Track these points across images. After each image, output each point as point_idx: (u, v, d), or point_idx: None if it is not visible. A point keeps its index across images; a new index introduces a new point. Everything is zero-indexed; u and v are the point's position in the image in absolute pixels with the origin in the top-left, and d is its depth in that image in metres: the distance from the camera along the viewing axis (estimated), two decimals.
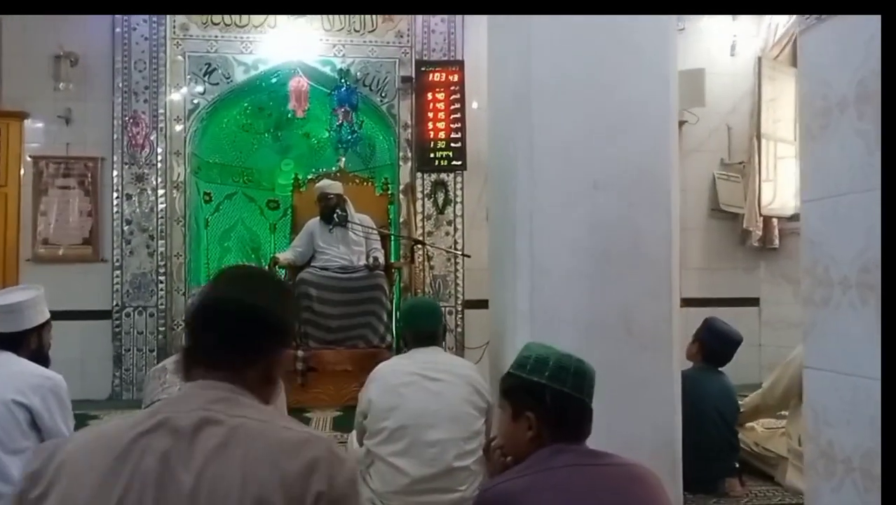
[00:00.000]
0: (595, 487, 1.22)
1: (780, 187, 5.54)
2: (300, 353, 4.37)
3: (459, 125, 5.22)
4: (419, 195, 5.24)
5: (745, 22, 5.77)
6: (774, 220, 5.55)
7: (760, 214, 5.44)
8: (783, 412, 3.03)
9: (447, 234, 5.24)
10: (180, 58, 5.17)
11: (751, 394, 3.08)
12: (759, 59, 5.58)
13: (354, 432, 2.66)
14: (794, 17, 5.49)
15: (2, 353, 2.29)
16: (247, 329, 1.03)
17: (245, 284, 1.09)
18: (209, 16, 5.14)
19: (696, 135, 5.64)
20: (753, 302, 5.77)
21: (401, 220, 5.33)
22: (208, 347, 1.03)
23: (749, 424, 3.06)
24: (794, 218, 5.60)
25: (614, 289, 2.45)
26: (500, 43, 2.83)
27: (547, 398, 1.31)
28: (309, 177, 5.40)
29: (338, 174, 5.19)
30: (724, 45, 5.75)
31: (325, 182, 4.84)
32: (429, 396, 2.37)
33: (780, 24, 5.57)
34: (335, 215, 4.62)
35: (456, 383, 2.42)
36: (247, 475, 0.90)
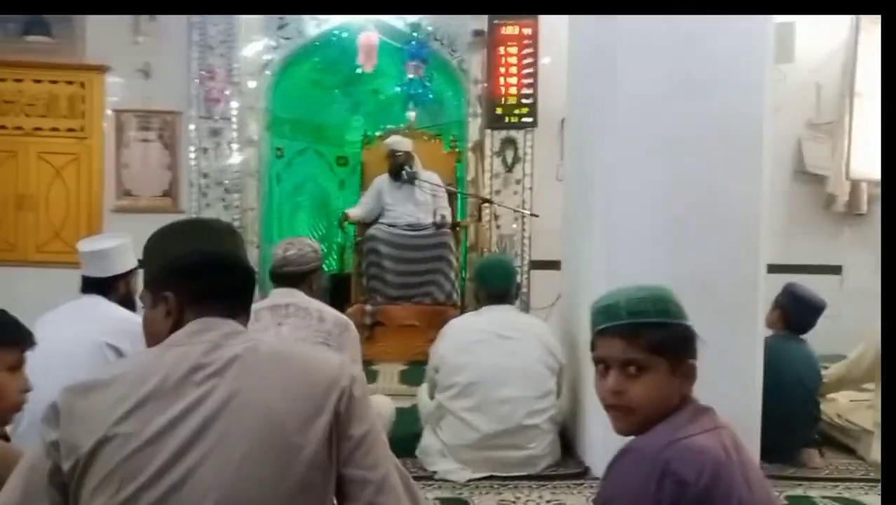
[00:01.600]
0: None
1: (872, 150, 5.22)
2: (368, 307, 4.44)
3: (531, 81, 5.09)
4: (488, 153, 5.17)
5: None
6: (863, 185, 5.24)
7: (848, 178, 5.15)
8: (867, 385, 2.90)
9: (515, 193, 5.17)
10: None
11: (833, 365, 2.95)
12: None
13: (424, 386, 2.70)
14: None
15: (93, 296, 2.39)
16: (243, 282, 1.16)
17: (231, 240, 1.18)
18: None
19: (782, 93, 5.32)
20: (835, 270, 5.51)
21: (468, 178, 5.28)
22: (222, 294, 1.12)
23: (831, 396, 2.94)
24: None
25: (694, 251, 2.37)
26: None
27: (698, 342, 1.18)
28: (377, 133, 5.40)
29: (407, 130, 5.17)
30: None
31: (394, 139, 4.83)
32: (501, 353, 2.38)
33: None
34: (403, 172, 4.62)
35: (529, 342, 2.42)
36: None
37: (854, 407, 2.90)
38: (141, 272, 2.50)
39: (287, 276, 2.33)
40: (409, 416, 2.90)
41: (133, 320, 2.35)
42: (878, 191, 5.23)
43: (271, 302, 2.30)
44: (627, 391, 1.14)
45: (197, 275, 1.10)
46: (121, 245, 2.43)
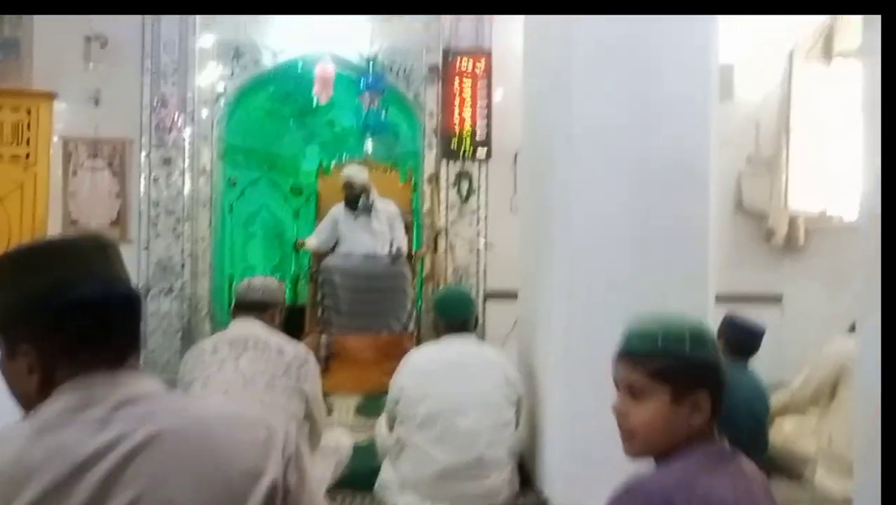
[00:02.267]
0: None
1: (807, 184, 5.48)
2: (323, 338, 4.39)
3: (486, 114, 5.20)
4: (443, 184, 5.23)
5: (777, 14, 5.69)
6: (800, 218, 5.49)
7: (786, 212, 5.39)
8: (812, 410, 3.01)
9: (470, 224, 5.23)
10: (209, 41, 5.18)
11: (777, 391, 3.06)
12: (791, 52, 5.51)
13: (383, 419, 2.68)
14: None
15: None
16: (134, 314, 0.92)
17: (103, 258, 0.90)
18: None
19: (723, 130, 5.56)
20: (776, 300, 5.72)
21: (424, 208, 5.33)
22: (103, 339, 0.87)
23: (776, 422, 3.04)
24: (820, 216, 5.54)
25: (650, 280, 2.44)
26: (539, 28, 2.82)
27: (721, 375, 1.16)
28: (333, 163, 5.41)
29: (363, 161, 5.20)
30: (754, 38, 5.67)
31: (351, 169, 4.85)
32: (461, 383, 2.39)
33: (814, 16, 5.48)
34: (360, 202, 4.64)
35: (488, 372, 2.44)
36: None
37: (799, 433, 3.00)
38: None
39: (251, 304, 2.32)
40: (367, 450, 2.87)
41: None
42: (815, 224, 5.49)
43: (231, 335, 2.27)
44: (629, 414, 1.16)
45: (63, 321, 0.84)
46: None
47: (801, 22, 5.61)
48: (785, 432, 3.04)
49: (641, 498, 1.05)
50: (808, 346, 4.58)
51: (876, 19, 1.46)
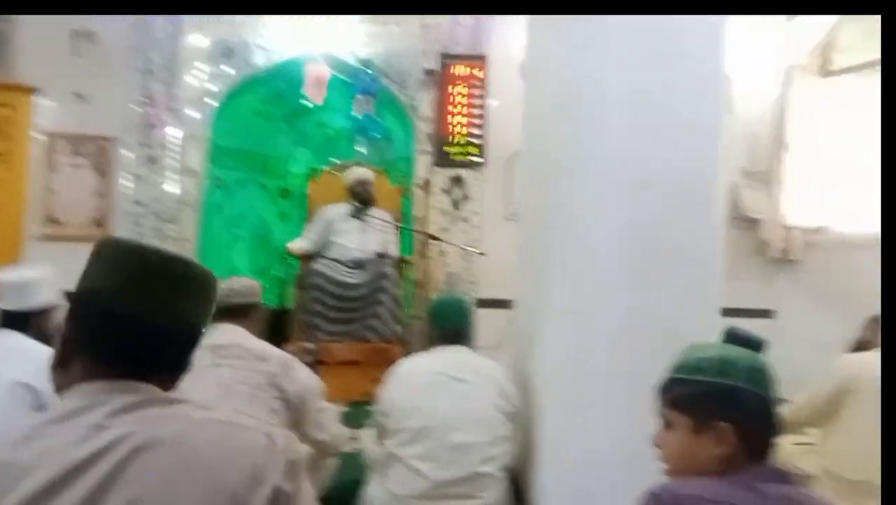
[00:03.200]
0: None
1: (803, 199, 5.44)
2: (308, 345, 4.27)
3: (480, 121, 5.12)
4: (436, 190, 5.13)
5: (775, 28, 5.66)
6: (796, 232, 5.44)
7: (782, 225, 5.34)
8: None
9: (463, 231, 5.13)
10: (200, 40, 5.06)
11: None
12: (789, 67, 5.47)
13: (371, 431, 2.57)
14: (827, 24, 5.40)
15: (8, 332, 2.19)
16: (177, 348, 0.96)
17: (178, 293, 0.94)
18: None
19: (721, 142, 5.53)
20: (769, 315, 5.67)
21: (416, 215, 5.22)
22: (121, 354, 0.89)
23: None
24: (816, 231, 5.49)
25: (653, 295, 2.35)
26: (544, 35, 2.74)
27: (749, 403, 1.09)
28: (324, 167, 5.30)
29: (355, 164, 5.08)
30: (751, 53, 5.64)
31: (361, 170, 4.77)
32: (454, 397, 2.28)
33: (811, 32, 5.46)
34: (369, 203, 4.58)
35: (483, 386, 2.33)
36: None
37: (799, 452, 2.91)
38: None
39: (232, 308, 2.20)
40: (353, 462, 2.76)
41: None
42: (812, 238, 5.44)
43: (213, 341, 2.14)
44: (661, 443, 1.18)
45: (83, 321, 0.89)
46: (39, 277, 2.25)
47: (800, 37, 5.59)
48: (786, 450, 2.95)
49: (651, 500, 1.05)
50: (801, 362, 4.52)
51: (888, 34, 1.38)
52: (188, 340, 0.94)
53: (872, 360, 2.55)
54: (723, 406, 1.10)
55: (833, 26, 5.38)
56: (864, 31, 5.39)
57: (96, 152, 4.87)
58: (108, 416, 0.81)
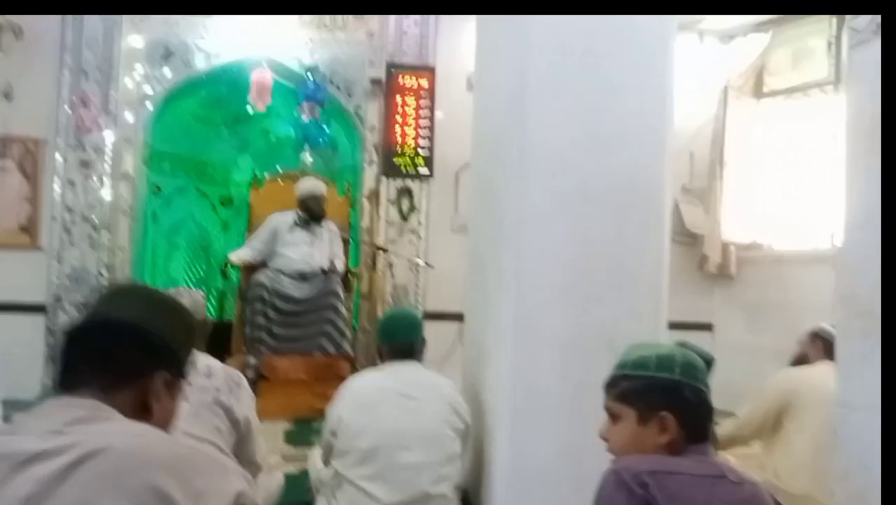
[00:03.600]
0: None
1: (738, 216, 5.63)
2: (251, 359, 4.13)
3: (428, 132, 5.09)
4: (383, 201, 5.08)
5: (711, 50, 5.86)
6: (732, 248, 5.61)
7: (720, 241, 5.50)
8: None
9: (410, 242, 5.09)
10: (137, 40, 4.87)
11: (722, 422, 3.03)
12: (725, 87, 5.66)
13: (317, 451, 2.49)
14: (759, 47, 5.61)
15: None
16: (115, 347, 0.99)
17: (125, 300, 1.05)
18: None
19: None
20: (706, 327, 5.83)
21: (363, 225, 5.15)
22: (73, 363, 0.99)
23: (720, 453, 3.01)
24: (751, 247, 5.69)
25: (600, 306, 2.36)
26: (492, 44, 2.73)
27: (687, 394, 1.22)
28: (267, 175, 5.17)
29: (300, 173, 4.97)
30: (689, 72, 5.80)
31: (313, 182, 4.61)
32: (405, 414, 2.22)
33: (746, 53, 5.67)
34: (297, 217, 4.45)
35: (434, 402, 2.28)
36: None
37: (744, 466, 2.97)
38: None
39: None
40: (297, 483, 2.67)
41: None
42: (745, 254, 5.62)
43: None
44: (609, 437, 1.28)
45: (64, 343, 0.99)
46: None
47: (734, 58, 5.79)
48: (731, 464, 3.01)
49: (612, 477, 1.12)
50: (738, 372, 4.66)
51: (860, 50, 1.42)
52: (135, 342, 1.02)
53: (812, 374, 2.63)
54: (665, 397, 1.21)
55: (764, 50, 5.60)
56: (793, 56, 5.63)
57: (23, 155, 4.61)
58: (65, 424, 0.89)
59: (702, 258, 5.67)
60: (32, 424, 0.91)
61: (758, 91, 5.83)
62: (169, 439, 0.99)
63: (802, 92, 5.55)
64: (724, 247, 5.59)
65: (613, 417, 1.26)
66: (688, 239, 5.73)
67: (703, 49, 5.81)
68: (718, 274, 5.66)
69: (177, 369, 1.05)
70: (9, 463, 0.84)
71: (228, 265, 4.49)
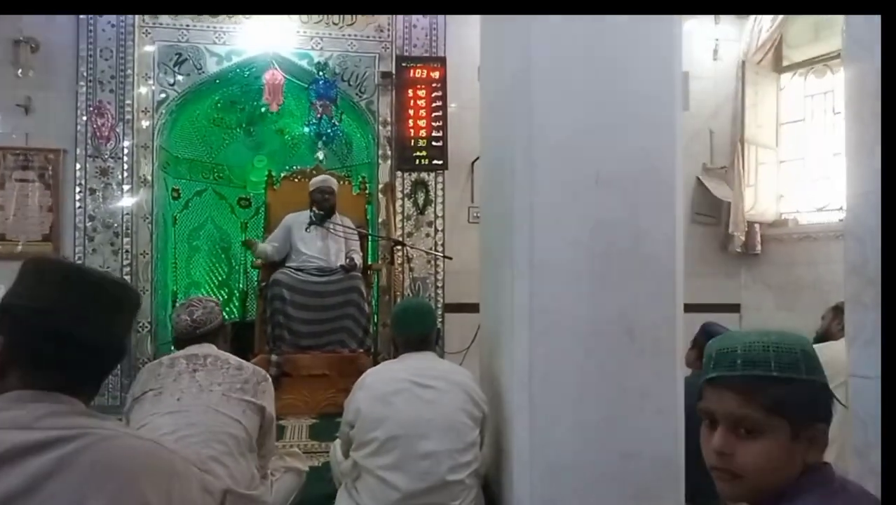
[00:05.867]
0: None
1: (762, 193, 5.51)
2: (273, 357, 4.16)
3: (440, 124, 5.07)
4: (399, 195, 5.07)
5: (728, 26, 5.74)
6: (757, 226, 5.51)
7: (744, 219, 5.40)
8: None
9: (427, 235, 5.08)
10: (149, 47, 4.93)
11: None
12: (743, 63, 5.55)
13: (338, 443, 2.50)
14: (778, 21, 5.48)
15: None
16: (61, 349, 0.97)
17: (58, 290, 0.98)
18: None
19: None
20: (734, 308, 5.73)
21: (379, 220, 5.15)
22: (46, 363, 0.96)
23: None
24: (776, 224, 5.58)
25: (616, 291, 2.32)
26: (497, 32, 2.70)
27: (829, 400, 0.97)
28: (283, 174, 5.20)
29: (315, 171, 4.99)
30: (706, 49, 5.71)
31: (323, 178, 4.59)
32: (421, 404, 2.22)
33: (763, 28, 5.54)
34: (312, 214, 4.45)
35: (450, 391, 2.27)
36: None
37: None
38: None
39: (201, 336, 2.26)
40: (321, 475, 2.68)
41: None
42: (771, 232, 5.52)
43: (187, 352, 2.20)
44: (736, 454, 0.96)
45: (13, 336, 0.95)
46: None
47: (752, 33, 5.66)
48: None
49: None
50: None
51: (853, 23, 1.37)
52: (115, 357, 1.02)
53: (834, 349, 2.57)
54: (819, 407, 0.97)
55: (781, 22, 5.47)
56: (814, 28, 5.50)
57: (44, 165, 4.69)
58: (35, 419, 0.89)
59: (726, 237, 5.58)
60: (2, 419, 0.90)
61: (777, 65, 5.70)
62: (151, 441, 1.01)
63: (823, 63, 5.42)
64: (749, 225, 5.49)
65: (749, 429, 0.96)
66: (711, 220, 5.64)
67: (720, 25, 5.70)
68: (744, 253, 5.56)
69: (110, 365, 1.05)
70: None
71: (250, 246, 4.50)
